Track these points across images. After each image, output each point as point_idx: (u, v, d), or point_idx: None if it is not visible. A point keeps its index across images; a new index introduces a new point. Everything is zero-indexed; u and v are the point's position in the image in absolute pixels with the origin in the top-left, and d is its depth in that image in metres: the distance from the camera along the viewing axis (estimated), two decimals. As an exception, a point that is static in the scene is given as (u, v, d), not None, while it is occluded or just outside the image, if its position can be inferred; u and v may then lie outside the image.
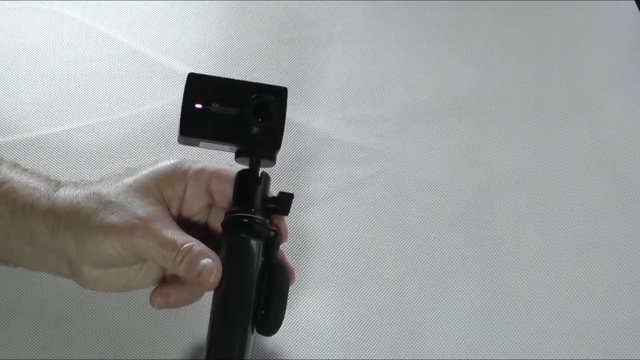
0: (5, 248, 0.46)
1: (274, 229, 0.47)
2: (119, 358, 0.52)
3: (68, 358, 0.51)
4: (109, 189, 0.46)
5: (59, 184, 0.47)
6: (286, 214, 0.48)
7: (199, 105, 0.46)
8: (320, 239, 0.59)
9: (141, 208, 0.45)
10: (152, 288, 0.49)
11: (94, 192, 0.46)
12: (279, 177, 0.61)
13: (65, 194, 0.46)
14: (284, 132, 0.47)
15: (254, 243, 0.45)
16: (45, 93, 0.62)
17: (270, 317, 0.44)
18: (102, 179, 0.47)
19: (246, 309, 0.44)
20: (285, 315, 0.54)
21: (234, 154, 0.48)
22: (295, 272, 0.56)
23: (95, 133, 0.61)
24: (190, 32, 0.70)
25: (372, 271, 0.58)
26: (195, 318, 0.52)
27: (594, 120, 0.70)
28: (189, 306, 0.53)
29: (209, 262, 0.44)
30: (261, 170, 0.48)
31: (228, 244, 0.45)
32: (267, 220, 0.46)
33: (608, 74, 0.74)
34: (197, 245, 0.45)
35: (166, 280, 0.50)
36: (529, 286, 0.59)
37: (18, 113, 0.61)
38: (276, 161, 0.48)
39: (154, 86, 0.65)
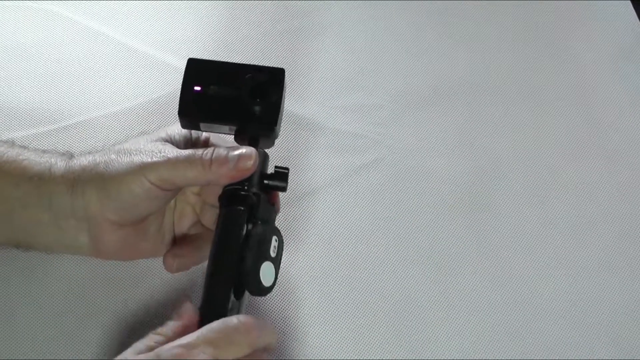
0: (22, 221, 0.46)
1: (256, 193, 0.47)
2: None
3: (72, 352, 0.51)
4: (122, 145, 0.47)
5: (73, 155, 0.48)
6: (284, 191, 0.48)
7: (197, 88, 0.48)
8: (320, 227, 0.60)
9: (157, 145, 0.46)
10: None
11: (109, 150, 0.47)
12: (276, 167, 0.61)
13: (81, 158, 0.47)
14: (283, 116, 0.49)
15: (238, 210, 0.45)
16: (40, 91, 0.62)
17: (242, 269, 0.44)
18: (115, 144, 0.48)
19: (227, 269, 0.44)
20: (289, 305, 0.55)
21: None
22: (296, 260, 0.58)
23: (91, 128, 0.61)
24: (181, 27, 0.70)
25: (373, 258, 0.59)
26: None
27: (586, 103, 0.71)
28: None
29: (243, 149, 0.45)
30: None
31: (219, 218, 0.46)
32: (259, 192, 0.47)
33: (599, 58, 0.74)
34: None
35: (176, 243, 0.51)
36: (529, 267, 0.60)
37: (13, 111, 0.61)
38: (274, 142, 0.50)
39: (148, 80, 0.65)
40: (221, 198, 0.47)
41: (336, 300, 0.56)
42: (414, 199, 0.62)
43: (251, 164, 0.45)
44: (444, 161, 0.65)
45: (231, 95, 0.47)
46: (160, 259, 0.55)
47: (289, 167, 0.61)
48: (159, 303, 0.54)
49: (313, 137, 0.64)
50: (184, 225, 0.52)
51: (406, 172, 0.64)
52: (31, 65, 0.63)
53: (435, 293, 0.58)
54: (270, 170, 0.49)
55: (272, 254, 0.45)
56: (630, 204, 0.64)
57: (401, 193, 0.62)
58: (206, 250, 0.49)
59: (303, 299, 0.56)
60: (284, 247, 0.47)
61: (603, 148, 0.68)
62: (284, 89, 0.48)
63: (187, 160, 0.45)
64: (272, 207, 0.48)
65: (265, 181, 0.48)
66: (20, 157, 0.47)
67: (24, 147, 0.48)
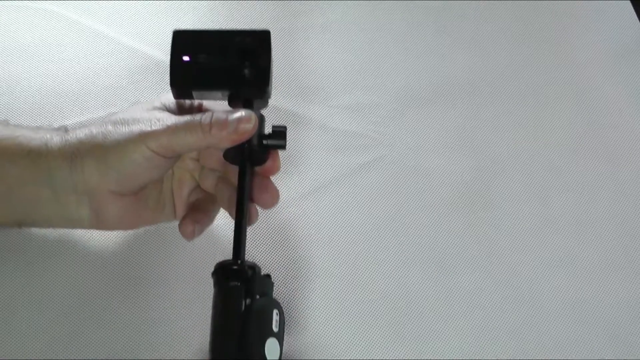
0: (22, 198, 0.46)
1: (251, 266, 0.46)
2: (125, 352, 0.52)
3: (72, 353, 0.51)
4: (117, 115, 0.47)
5: (67, 129, 0.48)
6: (283, 148, 0.49)
7: (186, 58, 0.48)
8: (321, 226, 0.60)
9: (154, 114, 0.47)
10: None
11: (103, 121, 0.47)
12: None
13: (77, 131, 0.47)
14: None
15: (233, 286, 0.44)
16: (40, 91, 0.62)
17: (246, 349, 0.42)
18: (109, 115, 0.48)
19: (228, 349, 0.42)
20: (290, 303, 0.55)
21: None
22: (297, 259, 0.58)
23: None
24: (181, 27, 0.69)
25: (374, 257, 0.59)
26: (203, 311, 0.52)
27: (586, 102, 0.71)
28: (195, 302, 0.53)
29: (242, 112, 0.46)
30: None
31: (214, 296, 0.45)
32: (253, 265, 0.46)
33: (598, 57, 0.74)
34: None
35: (178, 214, 0.52)
36: (530, 266, 0.60)
37: (13, 112, 0.61)
38: (268, 103, 0.50)
39: (148, 80, 0.65)
40: (213, 274, 0.46)
41: (336, 299, 0.56)
42: (414, 197, 0.62)
43: (251, 126, 0.45)
44: (444, 160, 0.65)
45: (220, 61, 0.48)
46: (161, 258, 0.56)
47: (290, 166, 0.62)
48: (160, 303, 0.54)
49: (313, 136, 0.64)
50: (184, 191, 0.53)
51: (406, 171, 0.64)
52: (31, 65, 0.63)
53: (435, 292, 0.58)
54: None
55: (275, 328, 0.44)
56: (630, 203, 0.64)
57: (402, 192, 0.62)
58: (214, 212, 0.51)
59: (303, 298, 0.56)
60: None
61: (603, 147, 0.68)
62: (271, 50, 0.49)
63: (187, 126, 0.45)
64: (269, 280, 0.47)
65: (265, 141, 0.48)
66: (15, 134, 0.46)
67: (18, 125, 0.48)
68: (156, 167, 0.46)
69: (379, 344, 0.55)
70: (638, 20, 0.78)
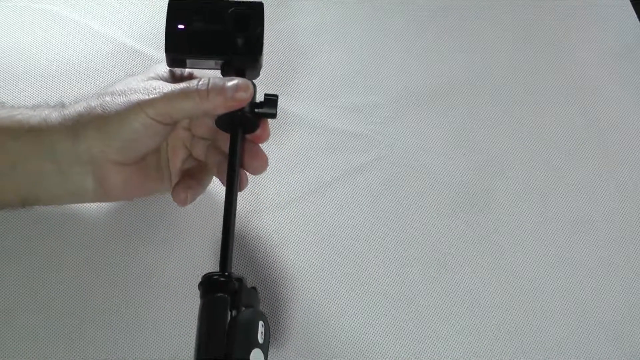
0: (26, 173, 0.47)
1: (238, 279, 0.46)
2: (126, 352, 0.52)
3: (73, 353, 0.51)
4: (113, 87, 0.48)
5: (64, 105, 0.48)
6: (274, 117, 0.50)
7: (181, 26, 0.50)
8: (320, 227, 0.60)
9: (150, 83, 0.47)
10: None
11: (100, 93, 0.47)
12: (276, 168, 0.61)
13: (75, 105, 0.47)
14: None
15: (219, 298, 0.44)
16: (40, 91, 0.62)
17: (226, 354, 0.42)
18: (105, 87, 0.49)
19: (214, 357, 0.42)
20: (290, 304, 0.55)
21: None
22: (298, 259, 0.58)
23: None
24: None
25: (373, 257, 0.59)
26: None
27: (586, 102, 0.71)
28: (195, 302, 0.53)
29: (239, 80, 0.47)
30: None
31: (200, 307, 0.45)
32: (240, 277, 0.46)
33: (599, 57, 0.74)
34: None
35: (173, 182, 0.53)
36: (529, 266, 0.60)
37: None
38: (260, 73, 0.52)
39: (148, 80, 0.65)
40: (200, 285, 0.46)
41: (336, 300, 0.57)
42: (414, 198, 0.62)
43: (248, 94, 0.46)
44: (444, 160, 0.65)
45: (215, 30, 0.50)
46: (161, 258, 0.55)
47: (290, 166, 0.62)
48: (160, 303, 0.55)
49: (313, 137, 0.64)
50: (178, 160, 0.54)
51: (406, 171, 0.64)
52: (31, 65, 0.63)
53: (435, 292, 0.58)
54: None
55: (260, 339, 0.44)
56: (630, 203, 0.65)
57: (401, 192, 0.62)
58: (206, 180, 0.53)
59: (303, 298, 0.56)
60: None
61: (603, 147, 0.68)
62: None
63: (183, 92, 0.46)
64: (255, 292, 0.48)
65: (256, 110, 0.49)
66: (13, 113, 0.47)
67: (15, 106, 0.49)
68: (155, 134, 0.47)
69: (379, 344, 0.55)
70: (638, 20, 0.78)
